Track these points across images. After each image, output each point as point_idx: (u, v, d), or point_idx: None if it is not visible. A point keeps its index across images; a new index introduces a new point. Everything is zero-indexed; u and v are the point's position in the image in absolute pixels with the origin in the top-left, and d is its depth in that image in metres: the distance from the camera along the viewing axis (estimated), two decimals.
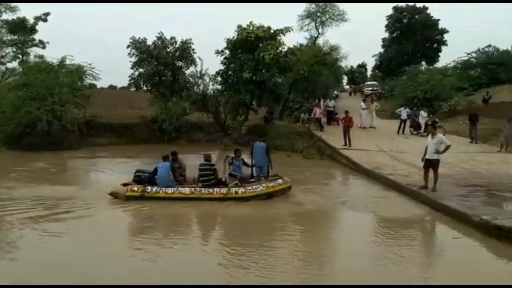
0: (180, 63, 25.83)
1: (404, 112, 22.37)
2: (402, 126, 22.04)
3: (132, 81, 25.75)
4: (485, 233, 7.80)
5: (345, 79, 57.93)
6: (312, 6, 33.97)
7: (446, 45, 42.75)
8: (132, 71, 25.47)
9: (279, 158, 16.48)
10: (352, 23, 35.01)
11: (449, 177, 11.79)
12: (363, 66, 63.64)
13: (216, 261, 6.77)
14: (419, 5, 42.66)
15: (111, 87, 52.88)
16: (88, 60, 26.13)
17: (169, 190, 10.28)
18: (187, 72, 26.01)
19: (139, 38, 25.12)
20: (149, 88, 25.97)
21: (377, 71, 50.14)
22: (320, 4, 33.82)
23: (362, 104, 24.58)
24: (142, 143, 22.63)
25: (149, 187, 10.34)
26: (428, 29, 41.55)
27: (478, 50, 33.17)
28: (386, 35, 44.64)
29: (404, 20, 42.77)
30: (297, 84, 26.88)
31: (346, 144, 18.14)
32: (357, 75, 61.52)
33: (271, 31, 22.22)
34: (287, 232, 8.37)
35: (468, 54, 33.05)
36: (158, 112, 23.42)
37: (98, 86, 36.75)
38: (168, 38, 25.54)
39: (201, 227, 9.20)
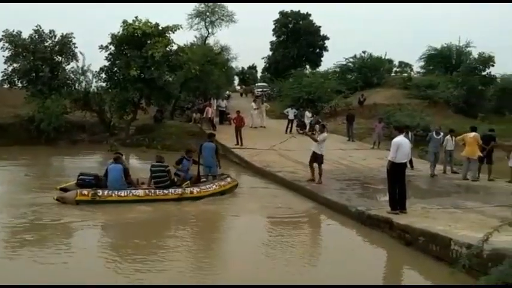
0: (60, 58, 23.87)
1: (291, 112, 23.67)
2: (290, 125, 23.22)
3: (5, 77, 23.02)
4: (361, 223, 8.58)
5: (237, 80, 59.15)
6: (201, 6, 33.96)
7: (327, 50, 46.14)
8: (6, 67, 22.86)
9: (171, 158, 16.13)
10: (242, 25, 35.88)
11: (329, 173, 12.72)
12: (253, 67, 65.52)
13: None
14: (303, 11, 45.29)
15: None
16: None
17: (122, 193, 9.83)
18: (68, 68, 24.10)
19: (13, 30, 22.67)
20: (25, 85, 23.40)
21: (266, 73, 52.04)
22: (209, 4, 33.95)
23: (253, 104, 25.35)
24: (17, 145, 20.30)
25: (100, 191, 9.73)
26: (311, 34, 44.31)
27: (355, 55, 36.32)
28: (274, 38, 46.56)
29: (290, 25, 45.02)
30: (188, 84, 26.64)
31: (238, 144, 18.50)
32: (247, 76, 63.14)
33: (160, 28, 21.65)
34: (180, 234, 8.24)
35: (346, 59, 36.02)
36: (35, 111, 21.26)
37: None
38: (47, 31, 23.53)
39: (86, 232, 8.56)
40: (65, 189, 10.00)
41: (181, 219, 9.36)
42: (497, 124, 19.97)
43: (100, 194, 9.70)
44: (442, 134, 13.20)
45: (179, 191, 10.26)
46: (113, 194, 9.78)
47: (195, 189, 10.47)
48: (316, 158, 11.49)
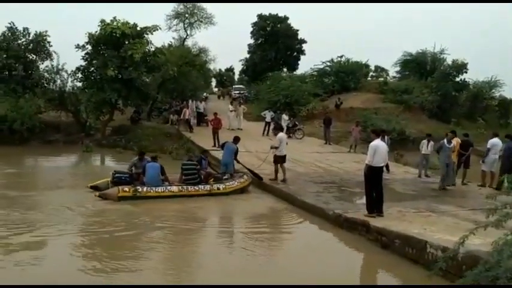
0: (34, 56, 23.45)
1: (268, 115, 23.78)
2: (267, 128, 23.26)
3: None
4: (338, 225, 8.63)
5: (214, 82, 58.94)
6: (180, 7, 33.76)
7: (305, 54, 46.53)
8: None
9: None
10: (220, 27, 35.80)
11: (306, 175, 12.82)
12: (230, 70, 65.47)
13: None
14: (281, 14, 45.56)
15: None
16: None
17: (160, 189, 10.68)
18: (42, 66, 23.72)
19: None
20: None
21: (244, 75, 52.07)
22: (188, 5, 33.78)
23: (230, 106, 25.31)
24: None
25: (140, 187, 10.54)
26: (289, 38, 44.62)
27: (332, 59, 36.70)
28: (252, 41, 46.65)
29: (268, 28, 45.23)
30: (165, 85, 26.46)
31: (215, 145, 18.38)
32: (225, 78, 63.03)
33: (138, 29, 21.42)
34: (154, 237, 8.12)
35: (323, 63, 36.37)
36: (8, 110, 20.68)
37: None
38: (21, 29, 23.04)
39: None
40: (95, 187, 10.81)
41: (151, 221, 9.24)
42: (469, 129, 20.55)
43: (140, 190, 10.46)
44: (453, 142, 12.04)
45: (208, 187, 11.14)
46: (151, 190, 10.55)
47: (221, 186, 11.34)
48: (276, 160, 12.18)
